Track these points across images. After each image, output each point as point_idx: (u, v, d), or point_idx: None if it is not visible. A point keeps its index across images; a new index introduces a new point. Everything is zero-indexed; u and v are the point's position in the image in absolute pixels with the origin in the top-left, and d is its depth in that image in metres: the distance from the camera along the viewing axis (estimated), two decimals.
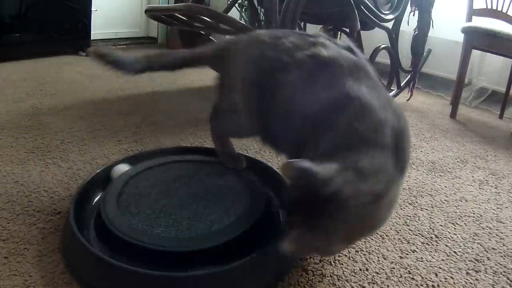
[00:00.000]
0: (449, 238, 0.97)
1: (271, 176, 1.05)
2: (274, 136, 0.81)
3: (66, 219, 0.83)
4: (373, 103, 0.66)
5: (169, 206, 0.87)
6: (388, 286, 0.79)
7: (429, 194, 1.18)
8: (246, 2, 2.87)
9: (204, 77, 2.38)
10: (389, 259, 0.87)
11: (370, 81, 0.72)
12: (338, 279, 0.80)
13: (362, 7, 1.72)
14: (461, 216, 1.07)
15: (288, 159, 0.66)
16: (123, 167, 1.00)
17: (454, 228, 1.01)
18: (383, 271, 0.83)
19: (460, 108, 2.07)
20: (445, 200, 1.16)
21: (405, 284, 0.80)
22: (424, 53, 2.13)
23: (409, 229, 0.99)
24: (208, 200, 0.90)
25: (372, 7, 1.77)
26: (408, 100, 2.20)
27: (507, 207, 1.14)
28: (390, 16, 1.90)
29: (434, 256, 0.89)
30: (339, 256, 0.86)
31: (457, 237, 0.98)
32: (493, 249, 0.93)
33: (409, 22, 2.04)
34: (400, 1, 1.94)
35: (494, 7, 2.03)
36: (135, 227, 0.79)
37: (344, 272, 0.82)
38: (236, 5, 2.67)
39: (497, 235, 0.99)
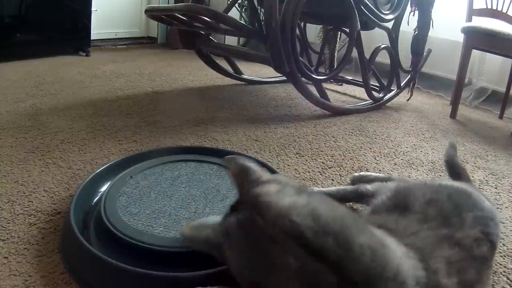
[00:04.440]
0: None
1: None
2: None
3: (66, 219, 0.83)
4: None
5: (168, 206, 0.87)
6: None
7: None
8: (246, 2, 2.88)
9: (204, 77, 2.38)
10: None
11: None
12: None
13: (362, 7, 1.72)
14: None
15: None
16: None
17: None
18: None
19: (460, 108, 2.07)
20: None
21: None
22: (424, 53, 2.13)
23: None
24: (207, 200, 0.90)
25: (372, 7, 1.77)
26: (408, 100, 2.20)
27: (507, 207, 1.14)
28: (390, 16, 1.90)
29: None
30: None
31: None
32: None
33: (409, 22, 2.04)
34: (400, 1, 1.94)
35: (494, 7, 2.03)
36: (135, 227, 0.79)
37: None
38: (236, 5, 2.67)
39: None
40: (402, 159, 1.41)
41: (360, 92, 2.25)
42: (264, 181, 0.58)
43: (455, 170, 1.04)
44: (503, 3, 1.99)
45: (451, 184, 0.83)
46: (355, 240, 0.52)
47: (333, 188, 1.06)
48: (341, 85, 2.54)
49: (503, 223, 1.05)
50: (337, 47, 2.41)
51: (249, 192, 0.56)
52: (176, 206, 0.87)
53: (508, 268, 0.86)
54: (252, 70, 2.59)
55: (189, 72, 2.49)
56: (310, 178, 1.19)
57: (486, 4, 2.07)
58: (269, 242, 0.51)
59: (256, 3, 2.14)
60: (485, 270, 0.65)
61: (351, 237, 0.52)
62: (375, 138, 1.60)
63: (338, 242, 0.50)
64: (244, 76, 2.32)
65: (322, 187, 1.14)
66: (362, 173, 1.20)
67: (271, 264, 0.51)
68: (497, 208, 1.13)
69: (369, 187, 0.91)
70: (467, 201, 0.74)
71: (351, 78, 2.46)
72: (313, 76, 1.76)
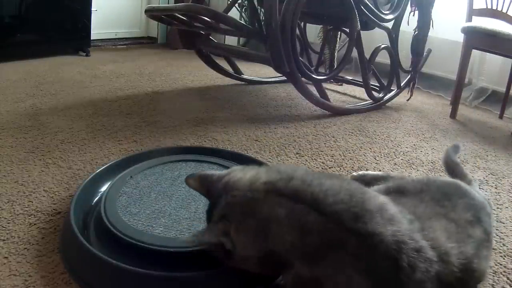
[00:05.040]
0: None
1: None
2: None
3: (66, 219, 0.83)
4: None
5: (168, 206, 0.87)
6: None
7: None
8: (246, 2, 2.88)
9: (204, 77, 2.38)
10: None
11: None
12: None
13: (362, 7, 1.72)
14: None
15: None
16: None
17: None
18: None
19: (460, 108, 2.07)
20: None
21: None
22: (424, 53, 2.13)
23: None
24: (207, 200, 0.90)
25: (372, 7, 1.77)
26: (408, 100, 2.20)
27: (507, 207, 1.14)
28: (390, 16, 1.90)
29: None
30: None
31: None
32: (493, 249, 0.93)
33: (409, 22, 2.04)
34: (400, 1, 1.94)
35: (494, 7, 2.03)
36: (135, 227, 0.79)
37: None
38: (236, 5, 2.67)
39: (497, 235, 0.99)
40: (402, 159, 1.41)
41: (360, 92, 2.25)
42: (226, 173, 0.67)
43: (450, 166, 1.09)
44: (503, 3, 1.99)
45: (440, 178, 0.87)
46: (325, 181, 0.58)
47: None
48: (341, 85, 2.54)
49: (503, 223, 1.05)
50: (337, 47, 2.41)
51: (218, 186, 0.65)
52: (176, 206, 0.87)
53: (508, 268, 0.86)
54: (252, 70, 2.59)
55: (189, 72, 2.49)
56: None
57: (486, 4, 2.07)
58: (256, 203, 0.58)
59: (256, 3, 2.14)
60: (483, 249, 0.67)
61: (319, 179, 0.59)
62: (375, 138, 1.60)
63: (305, 182, 0.58)
64: (244, 76, 2.32)
65: None
66: (360, 172, 1.21)
67: (266, 221, 0.57)
68: (497, 208, 1.13)
69: None
70: (457, 191, 0.77)
71: (351, 78, 2.46)
72: (313, 76, 1.76)
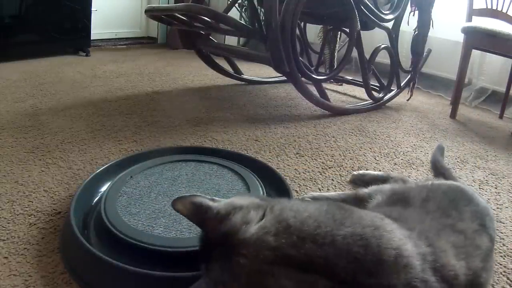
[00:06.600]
0: None
1: (271, 175, 1.05)
2: None
3: (66, 219, 0.83)
4: None
5: (168, 206, 0.87)
6: None
7: None
8: (246, 2, 2.88)
9: (204, 77, 2.38)
10: None
11: None
12: None
13: (362, 7, 1.72)
14: None
15: None
16: None
17: None
18: None
19: (460, 108, 2.07)
20: None
21: None
22: (424, 53, 2.13)
23: None
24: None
25: (372, 7, 1.77)
26: (408, 100, 2.20)
27: (507, 207, 1.14)
28: (390, 16, 1.90)
29: None
30: None
31: None
32: (493, 249, 0.93)
33: (409, 22, 2.04)
34: (400, 1, 1.94)
35: (494, 7, 2.03)
36: (135, 227, 0.79)
37: None
38: (236, 5, 2.67)
39: (497, 235, 0.99)
40: (402, 159, 1.41)
41: (360, 92, 2.25)
42: (223, 214, 0.57)
43: (439, 171, 1.10)
44: (503, 3, 1.99)
45: (443, 182, 0.86)
46: (337, 233, 0.52)
47: (333, 193, 1.08)
48: (341, 85, 2.54)
49: (503, 223, 1.05)
50: (337, 47, 2.41)
51: (221, 229, 0.55)
52: None
53: (508, 268, 0.86)
54: (252, 70, 2.59)
55: (189, 72, 2.49)
56: (310, 178, 1.19)
57: (486, 4, 2.07)
58: (264, 277, 0.50)
59: (256, 3, 2.14)
60: (489, 260, 0.67)
61: (331, 231, 0.52)
62: (375, 138, 1.60)
63: (317, 241, 0.50)
64: (244, 76, 2.32)
65: (322, 187, 1.14)
66: (361, 171, 1.21)
67: None
68: (497, 208, 1.13)
69: (366, 190, 0.94)
70: (462, 197, 0.76)
71: (351, 78, 2.46)
72: (313, 76, 1.76)
